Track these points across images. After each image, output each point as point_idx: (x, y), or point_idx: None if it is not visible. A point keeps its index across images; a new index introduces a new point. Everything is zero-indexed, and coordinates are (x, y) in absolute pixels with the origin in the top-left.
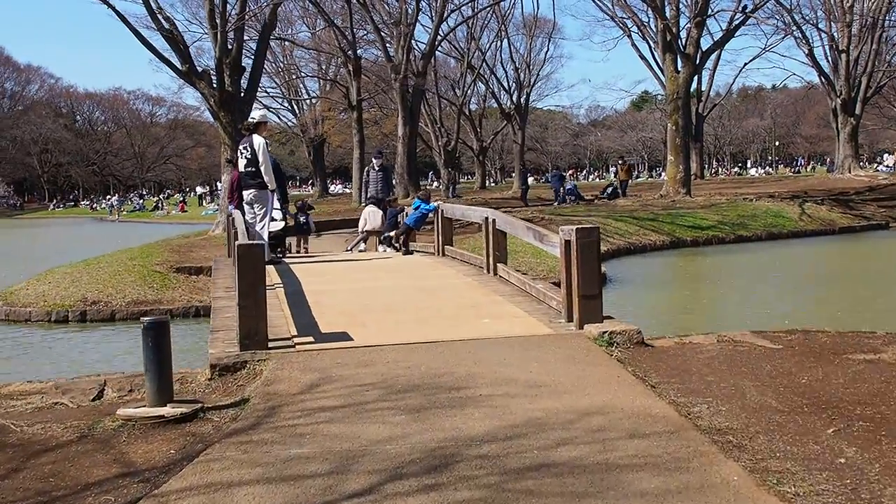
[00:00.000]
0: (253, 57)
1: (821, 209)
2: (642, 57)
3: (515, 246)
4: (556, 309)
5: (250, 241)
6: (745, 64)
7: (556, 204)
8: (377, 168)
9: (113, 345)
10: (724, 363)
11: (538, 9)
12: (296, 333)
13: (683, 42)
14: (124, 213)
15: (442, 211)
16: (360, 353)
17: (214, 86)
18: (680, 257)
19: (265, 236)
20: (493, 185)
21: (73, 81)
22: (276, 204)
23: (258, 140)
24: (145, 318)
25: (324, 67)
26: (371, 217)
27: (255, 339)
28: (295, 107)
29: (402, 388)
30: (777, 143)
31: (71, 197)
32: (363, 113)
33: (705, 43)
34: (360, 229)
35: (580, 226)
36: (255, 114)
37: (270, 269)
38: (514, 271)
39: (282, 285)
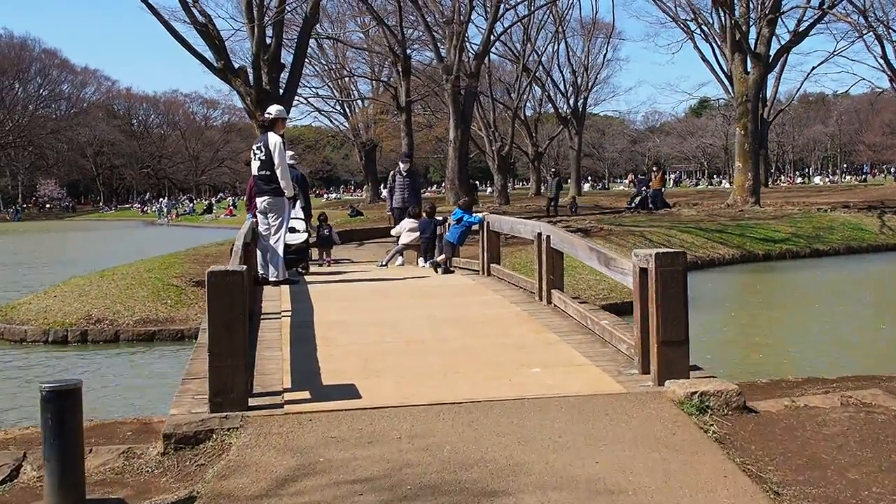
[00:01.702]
0: (293, 53)
1: None
2: (705, 59)
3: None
4: (626, 354)
5: (226, 268)
6: (814, 68)
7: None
8: (404, 173)
9: (99, 375)
10: (863, 445)
11: (597, 11)
12: (289, 385)
13: (753, 41)
14: (174, 216)
15: (488, 224)
16: (366, 421)
17: (251, 83)
18: (752, 273)
19: (280, 250)
20: (545, 191)
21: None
22: (298, 212)
23: (273, 139)
24: (45, 385)
25: (376, 70)
26: (408, 230)
27: (229, 396)
28: (346, 109)
29: (411, 489)
30: (839, 151)
31: (125, 199)
32: (414, 116)
33: (774, 43)
34: (396, 241)
35: (661, 249)
36: (272, 108)
37: (284, 290)
38: (571, 300)
39: (290, 313)
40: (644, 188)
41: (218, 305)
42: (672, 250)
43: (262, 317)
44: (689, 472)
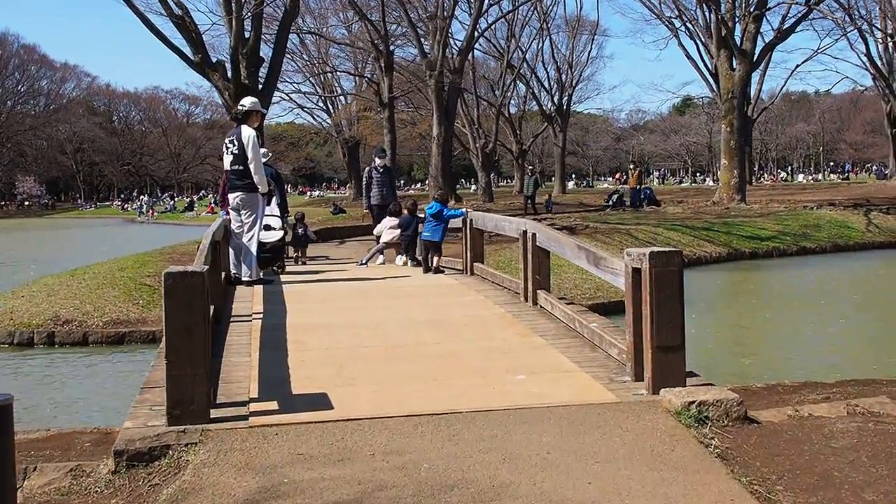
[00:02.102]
0: (273, 47)
1: (888, 218)
2: (689, 57)
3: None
4: (617, 360)
5: (185, 268)
6: (798, 65)
7: (614, 208)
8: (380, 169)
9: (62, 379)
10: (877, 460)
11: (582, 7)
12: (256, 395)
13: (739, 38)
14: (155, 214)
15: (471, 221)
16: (337, 435)
17: (229, 78)
18: (739, 272)
19: (253, 249)
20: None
21: (110, 80)
22: (274, 209)
23: (247, 132)
24: None
25: (359, 66)
26: (389, 228)
27: (188, 408)
28: (330, 106)
29: None
30: (822, 149)
31: (106, 197)
32: (397, 113)
33: (759, 40)
34: (376, 239)
35: (655, 248)
36: (246, 100)
37: (257, 290)
38: (558, 301)
39: (261, 315)
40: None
41: (176, 309)
42: (667, 249)
43: (231, 319)
44: (691, 495)
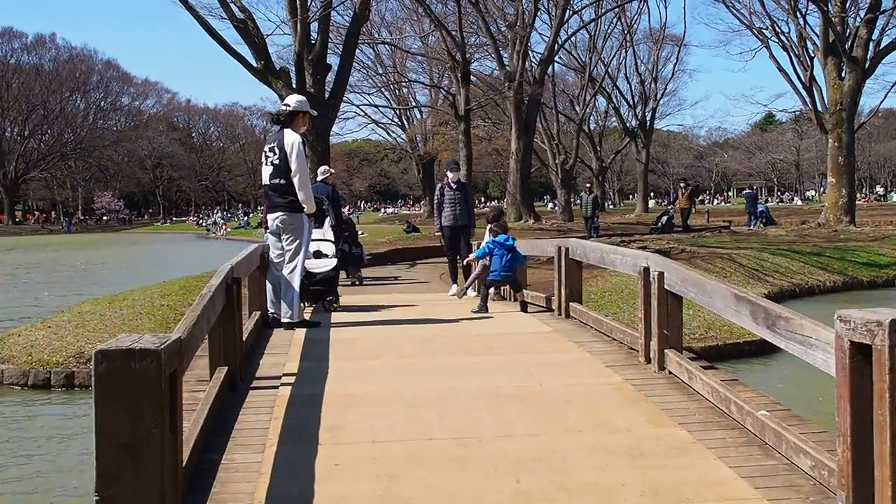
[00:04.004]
0: (341, 53)
1: None
2: (781, 69)
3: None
4: (809, 475)
5: (131, 346)
6: None
7: (750, 227)
8: (453, 185)
9: (67, 435)
10: None
11: (666, 17)
12: None
13: (849, 44)
14: (228, 230)
15: (567, 251)
16: None
17: (294, 86)
18: (860, 303)
19: (296, 283)
20: (611, 207)
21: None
22: (327, 232)
23: (290, 137)
24: None
25: (435, 79)
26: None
27: None
28: (404, 121)
29: None
30: None
31: (184, 212)
32: (473, 128)
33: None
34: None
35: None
36: (291, 99)
37: (297, 337)
38: (698, 367)
39: (294, 377)
40: (753, 206)
41: (111, 414)
42: None
43: (253, 384)
44: None
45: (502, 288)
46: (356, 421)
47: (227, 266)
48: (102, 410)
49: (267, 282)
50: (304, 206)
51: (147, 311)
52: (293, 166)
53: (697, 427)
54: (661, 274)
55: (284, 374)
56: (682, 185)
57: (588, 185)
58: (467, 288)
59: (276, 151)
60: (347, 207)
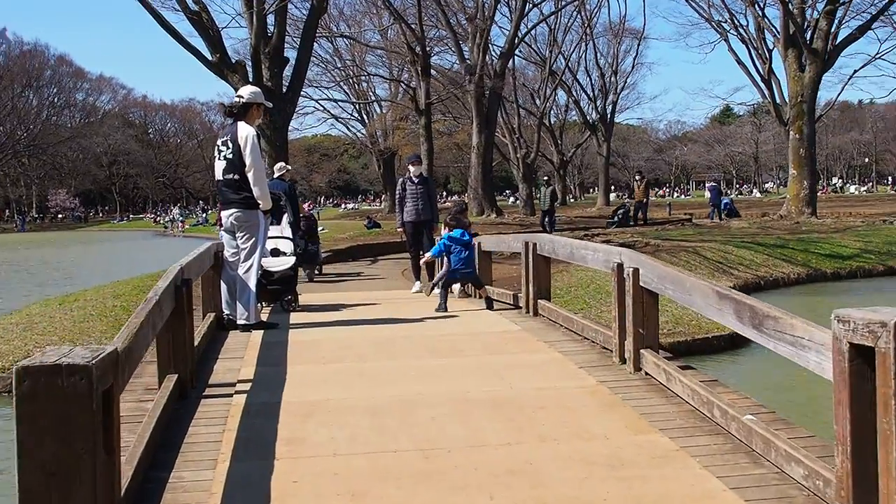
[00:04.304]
0: (299, 46)
1: None
2: (740, 62)
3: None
4: (804, 486)
5: (56, 360)
6: (856, 71)
7: (712, 219)
8: (415, 179)
9: None
10: None
11: (626, 11)
12: None
13: (808, 36)
14: (186, 226)
15: (535, 246)
16: None
17: (250, 80)
18: (829, 296)
19: (251, 283)
20: (572, 201)
21: (146, 92)
22: (285, 228)
23: (244, 130)
24: None
25: (395, 73)
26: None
27: None
28: (364, 116)
29: None
30: (874, 160)
31: (141, 209)
32: (433, 122)
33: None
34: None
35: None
36: (245, 90)
37: (254, 339)
38: (677, 369)
39: (248, 387)
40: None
41: (36, 439)
42: None
43: (206, 392)
44: None
45: (467, 285)
46: (316, 432)
47: (177, 267)
48: (26, 435)
49: (221, 282)
50: (259, 202)
51: (99, 312)
52: (247, 161)
53: (679, 433)
54: (635, 270)
55: (239, 381)
56: (637, 177)
57: (546, 177)
58: (434, 286)
59: (230, 145)
60: (308, 203)
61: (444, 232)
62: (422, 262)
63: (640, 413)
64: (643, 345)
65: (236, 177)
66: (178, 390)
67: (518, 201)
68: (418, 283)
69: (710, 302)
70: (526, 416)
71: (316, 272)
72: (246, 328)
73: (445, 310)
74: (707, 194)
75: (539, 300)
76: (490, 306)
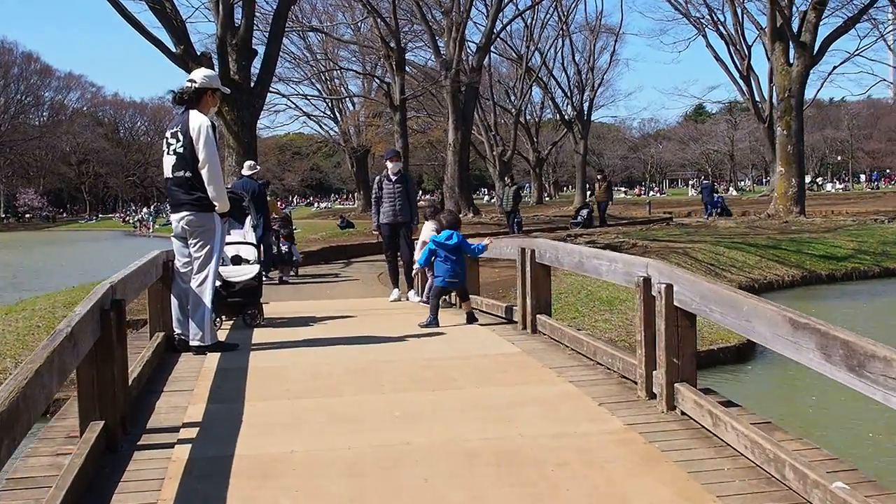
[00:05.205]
0: (268, 37)
1: None
2: (718, 59)
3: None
4: None
5: None
6: (835, 67)
7: (707, 218)
8: (393, 177)
9: None
10: None
11: (603, 6)
12: None
13: (796, 29)
14: (157, 226)
15: (534, 253)
16: None
17: (217, 72)
18: (825, 300)
19: (206, 298)
20: (547, 199)
21: (116, 90)
22: (248, 232)
23: (197, 120)
24: None
25: (369, 69)
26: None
27: None
28: (336, 113)
29: None
30: (850, 158)
31: (112, 208)
32: (408, 119)
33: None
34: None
35: None
36: (197, 74)
37: (208, 365)
38: (727, 411)
39: (195, 433)
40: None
41: None
42: None
43: (141, 439)
44: None
45: (450, 294)
46: (277, 502)
47: (105, 285)
48: None
49: (172, 296)
50: (215, 203)
51: (47, 323)
52: (201, 155)
53: (742, 502)
54: (668, 287)
55: (185, 424)
56: (598, 176)
57: (509, 175)
58: (423, 295)
59: (180, 137)
60: (279, 203)
61: (424, 228)
62: (413, 273)
63: (689, 472)
64: (678, 378)
65: (188, 174)
66: (104, 441)
67: (496, 200)
68: (396, 290)
69: (779, 332)
70: (544, 477)
71: (291, 274)
72: (200, 350)
73: (437, 325)
74: (691, 192)
75: (538, 315)
76: (471, 320)
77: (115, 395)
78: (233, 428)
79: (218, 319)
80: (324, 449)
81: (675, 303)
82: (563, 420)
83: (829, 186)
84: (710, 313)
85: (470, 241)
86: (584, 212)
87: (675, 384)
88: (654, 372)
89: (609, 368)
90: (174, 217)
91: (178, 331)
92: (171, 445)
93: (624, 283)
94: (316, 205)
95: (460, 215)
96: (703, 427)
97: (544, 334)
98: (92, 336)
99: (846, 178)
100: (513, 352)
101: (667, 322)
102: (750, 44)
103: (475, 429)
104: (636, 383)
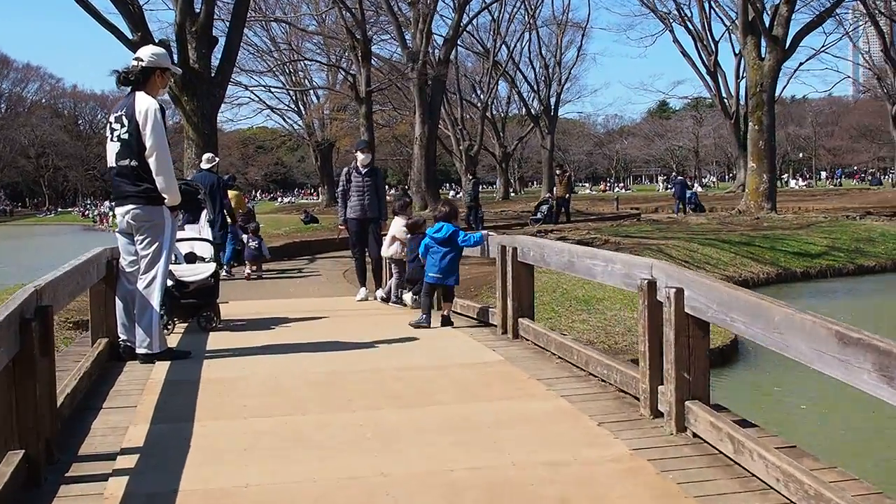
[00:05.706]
0: (229, 25)
1: None
2: (685, 53)
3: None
4: None
5: None
6: (801, 64)
7: (679, 214)
8: (362, 170)
9: None
10: None
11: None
12: None
13: (768, 23)
14: (110, 221)
15: (515, 251)
16: None
17: (175, 61)
18: (802, 298)
19: (154, 300)
20: (513, 195)
21: (76, 82)
22: (203, 227)
23: (144, 103)
24: None
25: (334, 59)
26: (396, 236)
27: None
28: (301, 108)
29: None
30: (801, 155)
31: (71, 202)
32: (373, 112)
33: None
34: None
35: None
36: (144, 52)
37: (155, 377)
38: (749, 437)
39: (134, 461)
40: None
41: None
42: None
43: (70, 471)
44: None
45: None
46: None
47: (29, 289)
48: None
49: (116, 298)
50: (164, 195)
51: None
52: (148, 142)
53: None
54: (679, 292)
55: (123, 450)
56: (558, 172)
57: (472, 170)
58: (395, 295)
59: (125, 122)
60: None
61: (393, 224)
62: (407, 276)
63: None
64: (689, 395)
65: (134, 163)
66: (24, 474)
67: (462, 195)
68: (363, 289)
69: (824, 348)
70: None
71: (253, 269)
72: (147, 359)
73: (428, 324)
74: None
75: (520, 319)
76: (446, 323)
77: (39, 419)
78: (179, 455)
79: (170, 323)
80: (284, 482)
81: (687, 310)
82: (559, 444)
83: (792, 183)
84: (730, 323)
85: None
86: (545, 207)
87: (686, 402)
88: (661, 387)
89: (604, 381)
90: (119, 211)
91: (123, 337)
92: (106, 478)
93: (623, 285)
94: (279, 199)
95: (427, 210)
96: (722, 453)
97: (528, 340)
98: (7, 353)
99: (808, 175)
100: (495, 360)
101: (676, 331)
102: (717, 39)
103: (460, 455)
104: (638, 399)
